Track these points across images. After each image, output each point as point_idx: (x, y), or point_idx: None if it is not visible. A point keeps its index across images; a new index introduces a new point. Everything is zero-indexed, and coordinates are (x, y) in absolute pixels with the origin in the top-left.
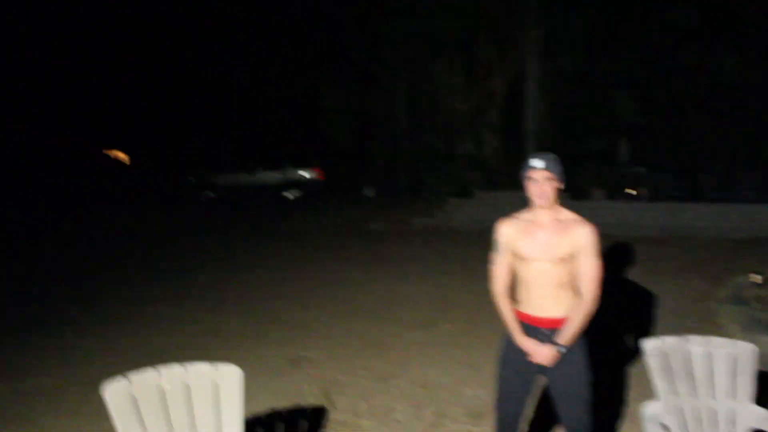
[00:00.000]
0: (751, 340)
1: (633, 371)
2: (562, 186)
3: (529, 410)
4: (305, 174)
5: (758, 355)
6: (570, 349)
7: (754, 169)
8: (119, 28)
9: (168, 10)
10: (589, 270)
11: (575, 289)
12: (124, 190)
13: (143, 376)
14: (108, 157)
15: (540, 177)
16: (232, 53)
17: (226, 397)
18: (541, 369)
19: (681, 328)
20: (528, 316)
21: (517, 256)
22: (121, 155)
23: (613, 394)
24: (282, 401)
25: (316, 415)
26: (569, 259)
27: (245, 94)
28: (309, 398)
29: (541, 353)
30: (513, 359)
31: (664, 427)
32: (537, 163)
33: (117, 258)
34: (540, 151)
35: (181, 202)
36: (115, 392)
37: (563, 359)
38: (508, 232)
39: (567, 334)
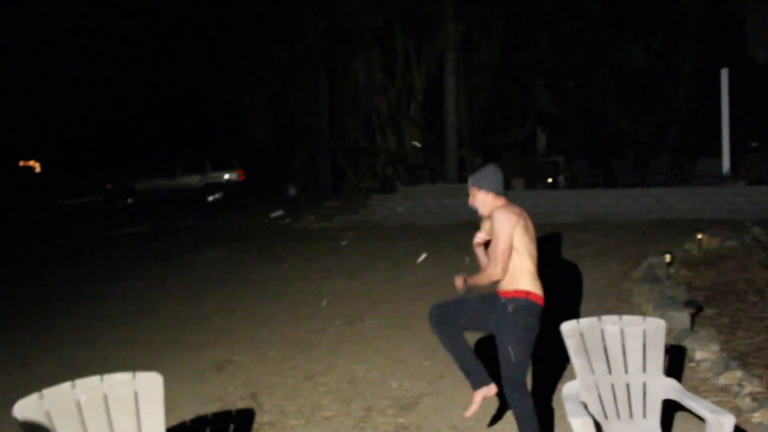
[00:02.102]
0: (662, 316)
1: (560, 353)
2: (489, 191)
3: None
4: (226, 175)
5: (667, 330)
6: (511, 309)
7: (662, 154)
8: (27, 30)
9: (82, 10)
10: (492, 247)
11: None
12: (38, 200)
13: (57, 390)
14: (22, 168)
15: (469, 191)
16: (148, 54)
17: (146, 406)
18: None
19: (600, 309)
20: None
21: None
22: (33, 164)
23: (544, 376)
24: (208, 406)
25: (243, 418)
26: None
27: (162, 96)
28: (236, 401)
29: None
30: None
31: (583, 404)
32: (468, 179)
33: (31, 271)
34: (461, 143)
35: (100, 210)
36: (26, 409)
37: (502, 313)
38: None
39: (472, 278)
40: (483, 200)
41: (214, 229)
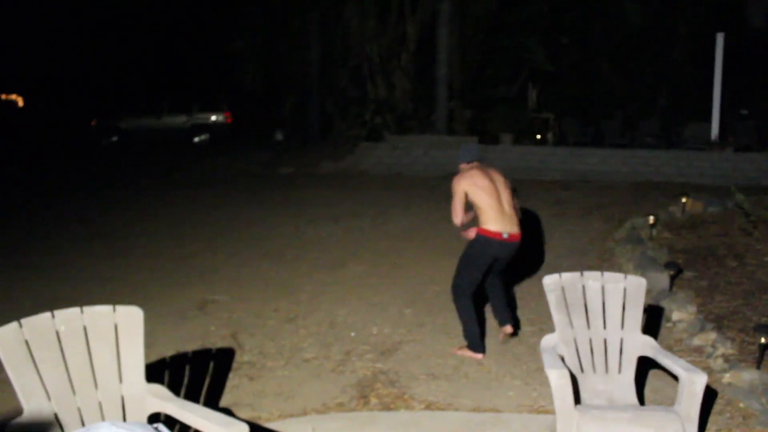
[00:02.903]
0: (643, 276)
1: (541, 307)
2: (461, 163)
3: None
4: (213, 117)
5: (646, 290)
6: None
7: (652, 116)
8: None
9: None
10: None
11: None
12: (21, 135)
13: (37, 320)
14: (4, 102)
15: None
16: None
17: (125, 339)
18: None
19: (581, 266)
20: None
21: None
22: (16, 98)
23: (522, 327)
24: (189, 344)
25: (223, 357)
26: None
27: (151, 35)
28: (216, 341)
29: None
30: None
31: (560, 357)
32: None
33: (17, 206)
34: (451, 95)
35: (84, 147)
36: (4, 337)
37: None
38: None
39: None
40: (460, 170)
41: (200, 171)
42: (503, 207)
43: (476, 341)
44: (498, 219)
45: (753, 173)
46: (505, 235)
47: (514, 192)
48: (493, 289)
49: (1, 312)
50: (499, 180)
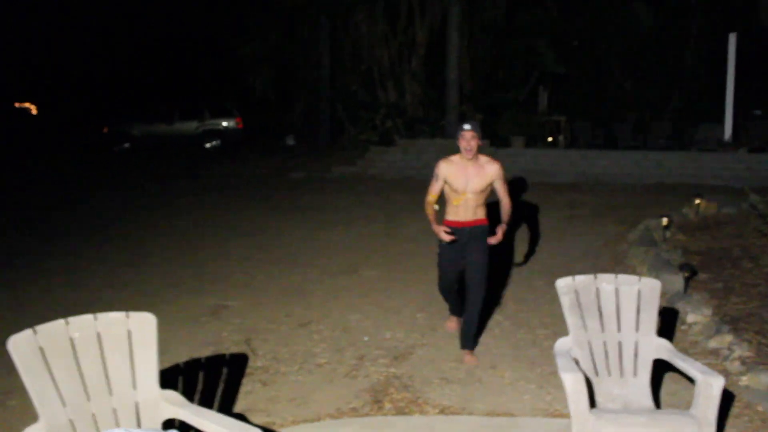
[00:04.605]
0: (657, 279)
1: (554, 310)
2: (481, 142)
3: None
4: (225, 123)
5: (661, 292)
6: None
7: (664, 118)
8: None
9: None
10: (502, 189)
11: (485, 205)
12: (34, 142)
13: (51, 327)
14: (17, 110)
15: (468, 136)
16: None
17: (139, 345)
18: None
19: (595, 268)
20: (454, 222)
21: (450, 186)
22: (29, 106)
23: (536, 330)
24: (202, 350)
25: (237, 362)
26: (486, 189)
27: (162, 41)
28: (230, 346)
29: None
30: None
31: (575, 360)
32: (466, 126)
33: (28, 214)
34: (462, 99)
35: (96, 154)
36: (20, 344)
37: (480, 240)
38: (446, 168)
39: (505, 220)
40: (476, 147)
41: (211, 177)
42: None
43: None
44: (451, 210)
45: (767, 174)
46: None
47: None
48: None
49: (16, 319)
50: None
